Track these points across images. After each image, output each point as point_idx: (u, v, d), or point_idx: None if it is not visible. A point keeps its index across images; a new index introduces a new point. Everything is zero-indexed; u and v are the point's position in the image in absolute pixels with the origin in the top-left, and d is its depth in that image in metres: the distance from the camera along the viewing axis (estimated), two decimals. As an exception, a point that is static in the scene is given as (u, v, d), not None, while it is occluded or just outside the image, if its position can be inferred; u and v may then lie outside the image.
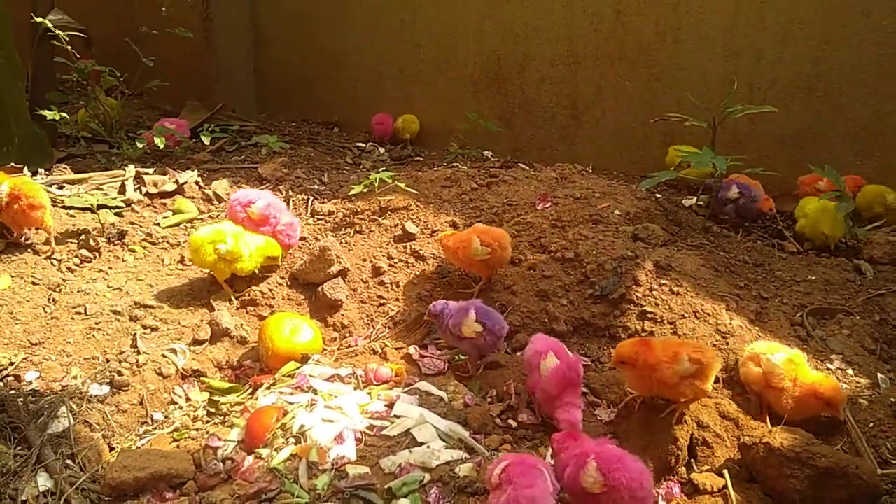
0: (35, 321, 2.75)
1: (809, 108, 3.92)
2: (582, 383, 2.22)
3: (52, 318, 2.77)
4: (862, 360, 2.49)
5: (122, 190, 3.87)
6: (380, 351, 2.70)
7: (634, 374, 2.16)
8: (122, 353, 2.59)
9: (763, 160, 3.62)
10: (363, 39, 5.79)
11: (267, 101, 6.52)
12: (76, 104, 5.57)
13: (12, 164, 3.80)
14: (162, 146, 4.60)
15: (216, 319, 2.77)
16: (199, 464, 2.07)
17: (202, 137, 4.91)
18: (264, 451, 2.02)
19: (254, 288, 3.02)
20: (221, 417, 2.36)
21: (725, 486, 2.03)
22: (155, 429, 2.35)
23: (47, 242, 3.24)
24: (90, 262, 3.23)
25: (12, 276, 2.98)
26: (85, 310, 2.80)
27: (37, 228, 3.23)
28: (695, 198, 3.93)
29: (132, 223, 3.54)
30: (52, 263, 3.15)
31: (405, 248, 3.21)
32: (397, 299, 3.00)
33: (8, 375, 2.43)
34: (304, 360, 2.52)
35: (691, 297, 2.69)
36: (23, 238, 3.21)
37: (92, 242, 3.28)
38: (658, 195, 3.96)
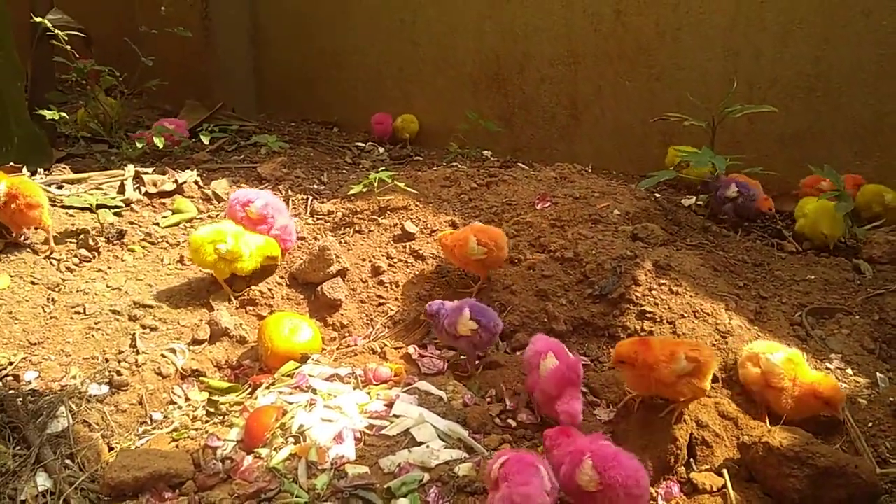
0: (34, 321, 2.75)
1: (809, 108, 3.92)
2: (581, 383, 2.22)
3: (51, 318, 2.77)
4: (861, 360, 2.49)
5: (122, 190, 3.87)
6: (379, 350, 2.70)
7: (633, 374, 2.16)
8: (121, 352, 2.59)
9: (763, 160, 3.62)
10: (363, 39, 5.78)
11: (266, 100, 6.51)
12: (75, 104, 5.57)
13: (11, 163, 3.80)
14: (161, 146, 4.60)
15: (215, 319, 2.77)
16: (198, 463, 2.07)
17: (201, 137, 4.91)
18: (263, 451, 2.02)
19: (253, 288, 3.02)
20: (221, 417, 2.36)
21: (725, 486, 2.03)
22: (154, 428, 2.35)
23: (46, 242, 3.24)
24: (89, 261, 3.23)
25: (11, 276, 2.98)
26: (84, 309, 2.80)
27: (35, 228, 3.23)
28: (694, 197, 3.93)
29: (131, 223, 3.54)
30: (51, 263, 3.15)
31: (404, 247, 3.21)
32: (396, 299, 2.99)
33: (7, 375, 2.43)
34: (303, 359, 2.52)
35: (690, 296, 2.69)
36: (22, 238, 3.21)
37: (91, 242, 3.28)
38: (657, 195, 3.96)
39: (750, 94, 4.01)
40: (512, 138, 5.18)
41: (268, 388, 2.39)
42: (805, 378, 2.18)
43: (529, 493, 1.61)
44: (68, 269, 3.14)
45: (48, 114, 4.37)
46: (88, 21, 5.24)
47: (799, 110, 3.94)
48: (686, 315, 2.62)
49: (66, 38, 4.50)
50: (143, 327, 2.73)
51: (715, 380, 2.38)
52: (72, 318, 2.77)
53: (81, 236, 3.31)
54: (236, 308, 2.95)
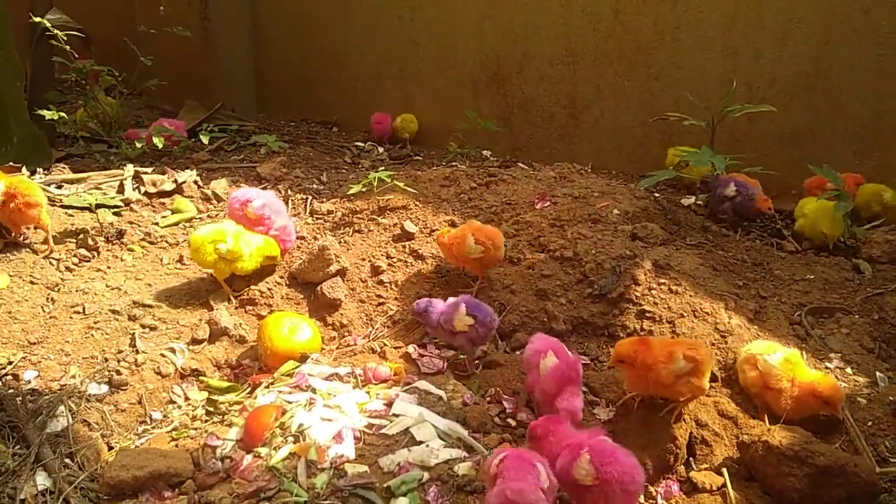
0: (34, 320, 2.75)
1: (808, 107, 3.92)
2: (581, 382, 2.22)
3: (50, 318, 2.77)
4: (860, 359, 2.49)
5: (121, 189, 3.87)
6: (379, 350, 2.69)
7: (633, 374, 2.16)
8: (120, 352, 2.59)
9: (762, 159, 3.62)
10: (363, 39, 5.78)
11: (266, 100, 6.51)
12: (75, 104, 5.57)
13: (11, 163, 3.80)
14: (160, 146, 4.60)
15: (215, 319, 2.77)
16: (197, 463, 2.07)
17: (201, 137, 4.91)
18: (263, 450, 2.02)
19: (252, 287, 3.02)
20: (220, 416, 2.35)
21: (724, 485, 2.03)
22: (154, 428, 2.35)
23: (45, 242, 3.24)
24: (89, 261, 3.23)
25: (11, 276, 2.98)
26: (83, 309, 2.80)
27: (34, 227, 3.23)
28: (693, 197, 3.93)
29: (131, 222, 3.54)
30: (50, 263, 3.15)
31: (404, 247, 3.21)
32: (396, 298, 2.99)
33: (6, 375, 2.43)
34: (302, 359, 2.52)
35: (690, 296, 2.69)
36: (21, 237, 3.21)
37: (90, 242, 3.28)
38: (657, 194, 3.96)
39: (749, 94, 4.01)
40: (511, 138, 5.18)
41: (267, 387, 2.39)
42: (804, 378, 2.18)
43: (523, 489, 1.60)
44: (68, 268, 3.14)
45: (47, 114, 4.37)
46: (88, 21, 5.25)
47: (798, 110, 3.94)
48: (685, 314, 2.62)
49: (65, 38, 4.51)
50: (143, 327, 2.73)
51: (714, 379, 2.38)
52: (71, 317, 2.77)
53: (81, 236, 3.31)
54: (236, 308, 2.95)
